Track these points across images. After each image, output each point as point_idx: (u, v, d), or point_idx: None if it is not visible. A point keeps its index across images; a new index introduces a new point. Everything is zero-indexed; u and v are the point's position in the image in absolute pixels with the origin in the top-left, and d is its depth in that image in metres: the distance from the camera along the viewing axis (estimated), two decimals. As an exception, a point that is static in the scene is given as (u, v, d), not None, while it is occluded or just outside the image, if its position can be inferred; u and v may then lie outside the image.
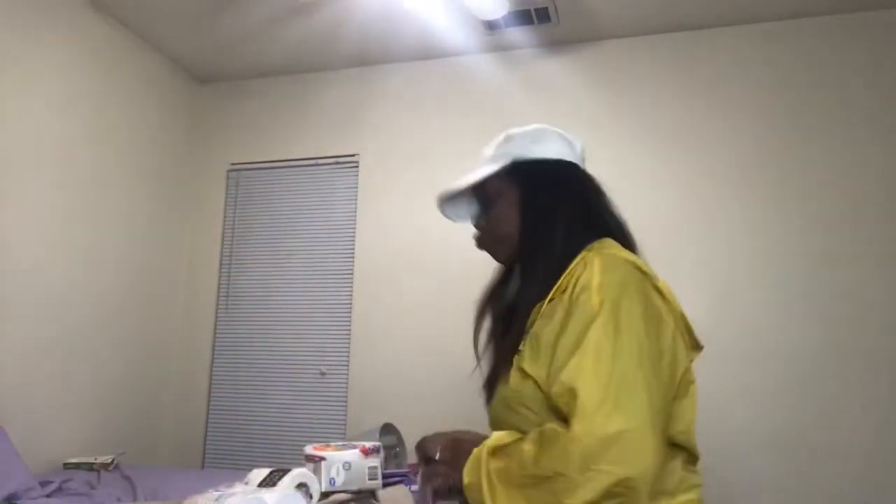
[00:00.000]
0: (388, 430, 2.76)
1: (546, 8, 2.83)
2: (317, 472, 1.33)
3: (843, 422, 2.55)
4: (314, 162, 3.43)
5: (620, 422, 0.77)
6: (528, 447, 0.84)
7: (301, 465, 1.36)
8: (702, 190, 2.86)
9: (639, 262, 0.96)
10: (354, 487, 1.39)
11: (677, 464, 0.89)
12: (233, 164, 3.56)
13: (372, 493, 1.46)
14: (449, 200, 1.19)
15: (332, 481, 1.33)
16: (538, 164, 1.08)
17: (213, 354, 3.39)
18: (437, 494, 0.97)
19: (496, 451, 0.88)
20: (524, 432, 0.89)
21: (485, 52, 3.26)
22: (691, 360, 0.97)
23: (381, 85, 3.40)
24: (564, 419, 0.83)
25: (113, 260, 2.98)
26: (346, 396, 3.14)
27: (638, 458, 0.76)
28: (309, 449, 1.41)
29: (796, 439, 2.57)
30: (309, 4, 2.86)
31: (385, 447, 1.53)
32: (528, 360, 0.92)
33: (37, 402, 2.55)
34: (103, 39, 2.95)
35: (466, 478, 0.90)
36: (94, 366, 2.85)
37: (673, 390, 0.89)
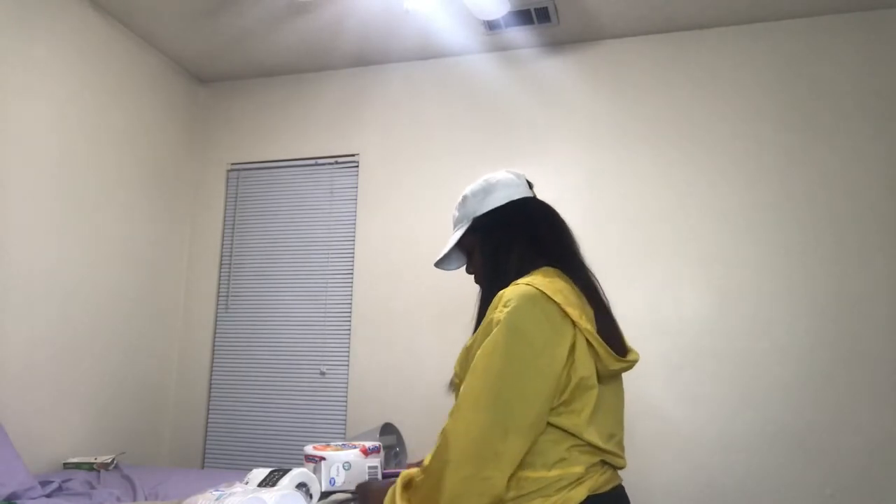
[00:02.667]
0: (388, 430, 2.76)
1: (546, 8, 2.83)
2: (317, 471, 1.33)
3: (845, 421, 2.55)
4: (314, 162, 3.43)
5: (487, 419, 1.04)
6: (426, 460, 1.09)
7: (301, 465, 1.36)
8: (702, 189, 2.86)
9: (547, 289, 1.12)
10: (354, 487, 1.39)
11: (563, 446, 1.09)
12: (233, 163, 3.56)
13: (372, 493, 1.46)
14: (442, 261, 1.45)
15: (332, 481, 1.33)
16: (491, 215, 1.31)
17: (213, 354, 3.39)
18: None
19: (406, 485, 1.12)
20: None
21: (485, 52, 3.26)
22: (618, 371, 1.18)
23: (380, 85, 3.40)
24: None
25: (113, 260, 2.98)
26: (346, 396, 3.14)
27: (495, 451, 1.02)
28: (309, 449, 1.41)
29: (798, 439, 2.57)
30: (308, 4, 2.86)
31: (385, 447, 1.53)
32: (458, 362, 1.21)
33: (37, 402, 2.55)
34: (103, 39, 2.96)
35: None
36: (94, 366, 2.85)
37: (558, 393, 1.08)
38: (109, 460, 2.58)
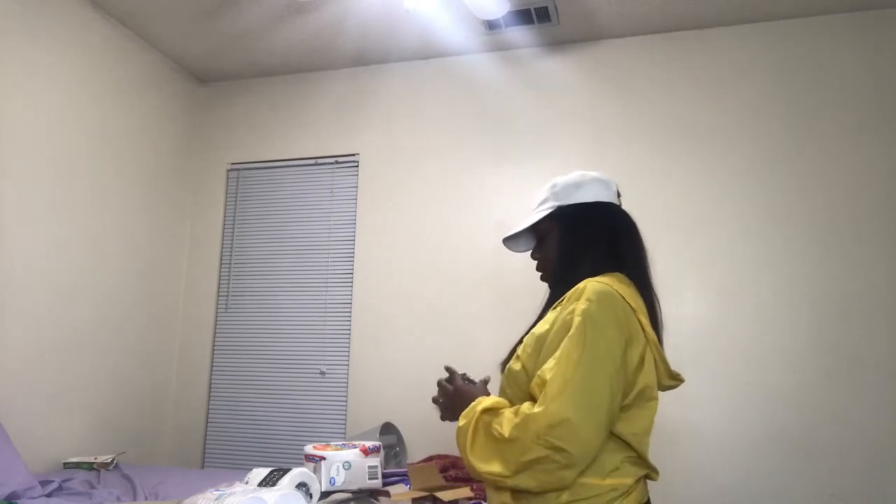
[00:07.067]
0: (388, 429, 2.77)
1: (546, 8, 2.83)
2: (317, 471, 1.34)
3: (846, 422, 2.54)
4: (314, 162, 3.43)
5: (569, 410, 1.03)
6: (508, 415, 1.10)
7: (301, 464, 1.36)
8: (702, 189, 2.86)
9: (624, 293, 1.15)
10: (354, 487, 1.39)
11: (619, 456, 1.12)
12: (233, 163, 3.56)
13: (372, 493, 1.46)
14: (511, 238, 1.43)
15: (332, 481, 1.34)
16: (578, 208, 1.30)
17: (213, 354, 3.39)
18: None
19: (487, 410, 1.15)
20: (513, 403, 1.16)
21: (485, 51, 3.26)
22: (667, 387, 1.22)
23: (381, 84, 3.40)
24: (535, 402, 1.10)
25: (113, 260, 2.98)
26: (346, 396, 3.14)
27: (575, 440, 1.02)
28: (309, 449, 1.41)
29: (799, 439, 2.57)
30: (308, 4, 2.86)
31: (385, 447, 1.53)
32: (524, 349, 1.18)
33: (37, 401, 2.55)
34: (103, 39, 2.96)
35: (461, 420, 1.17)
36: (94, 366, 2.85)
37: (623, 396, 1.11)
38: (109, 460, 2.58)
